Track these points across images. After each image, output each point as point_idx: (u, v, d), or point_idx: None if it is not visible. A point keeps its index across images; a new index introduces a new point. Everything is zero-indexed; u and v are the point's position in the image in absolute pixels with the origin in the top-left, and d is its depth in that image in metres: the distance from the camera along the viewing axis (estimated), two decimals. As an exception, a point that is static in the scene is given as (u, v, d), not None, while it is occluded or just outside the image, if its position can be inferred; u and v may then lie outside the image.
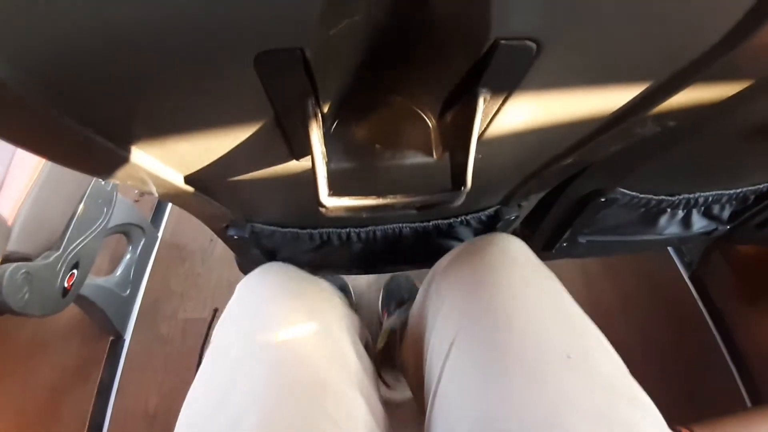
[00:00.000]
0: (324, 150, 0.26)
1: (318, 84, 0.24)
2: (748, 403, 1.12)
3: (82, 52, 0.20)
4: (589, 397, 0.36)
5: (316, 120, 0.25)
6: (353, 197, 0.28)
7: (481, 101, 0.26)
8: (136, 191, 1.43)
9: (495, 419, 0.37)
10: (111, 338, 1.22)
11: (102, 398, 1.15)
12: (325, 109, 0.28)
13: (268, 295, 0.52)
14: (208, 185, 0.37)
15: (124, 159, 0.29)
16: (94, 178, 1.01)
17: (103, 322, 1.18)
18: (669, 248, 1.37)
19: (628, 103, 0.31)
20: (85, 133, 0.25)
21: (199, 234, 1.42)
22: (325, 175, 0.27)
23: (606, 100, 0.30)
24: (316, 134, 0.25)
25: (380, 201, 0.29)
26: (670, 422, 0.37)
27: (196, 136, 0.28)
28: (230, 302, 0.54)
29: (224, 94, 0.25)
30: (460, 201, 0.30)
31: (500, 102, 0.28)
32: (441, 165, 0.35)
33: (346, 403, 0.43)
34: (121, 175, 0.31)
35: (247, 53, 0.21)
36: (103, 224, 1.05)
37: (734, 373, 1.16)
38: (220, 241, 1.40)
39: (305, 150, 0.31)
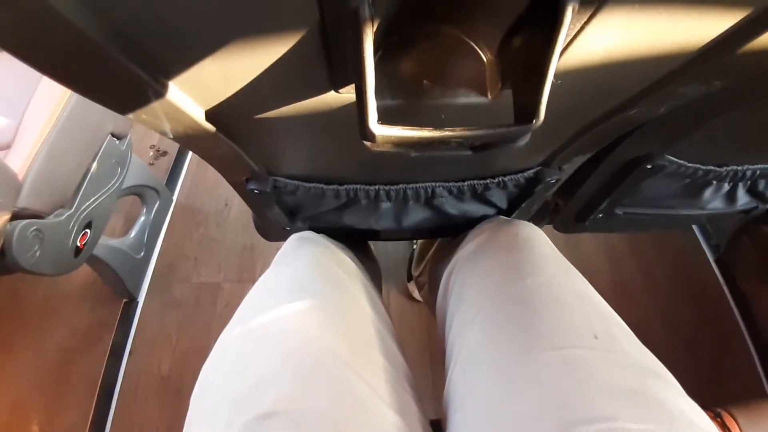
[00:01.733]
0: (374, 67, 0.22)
1: None
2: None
3: None
4: (617, 374, 0.36)
5: (370, 27, 0.21)
6: (406, 127, 0.24)
7: (569, 12, 0.21)
8: (152, 154, 1.41)
9: (521, 394, 0.37)
10: (124, 301, 1.22)
11: (114, 360, 1.15)
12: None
13: (299, 277, 0.51)
14: (231, 124, 0.34)
15: (134, 78, 0.25)
16: (108, 136, 0.98)
17: (116, 284, 1.17)
18: (696, 231, 1.35)
19: (717, 37, 0.27)
20: (99, 44, 0.22)
21: (213, 198, 1.41)
22: (374, 96, 0.23)
23: (697, 28, 0.26)
24: (368, 45, 0.21)
25: (436, 134, 0.25)
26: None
27: (224, 52, 0.25)
28: (265, 275, 0.54)
29: None
30: (525, 139, 0.27)
31: (585, 19, 0.24)
32: (495, 106, 0.31)
33: (370, 364, 0.43)
34: (128, 104, 0.28)
35: None
36: (117, 184, 1.03)
37: (755, 358, 1.14)
38: (234, 205, 1.40)
39: (347, 77, 0.27)
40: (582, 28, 0.25)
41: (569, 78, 0.29)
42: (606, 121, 0.38)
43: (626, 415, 0.32)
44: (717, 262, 1.29)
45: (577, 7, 0.22)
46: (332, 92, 0.30)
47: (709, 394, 1.01)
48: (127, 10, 0.22)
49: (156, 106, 0.28)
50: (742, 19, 0.26)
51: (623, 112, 0.36)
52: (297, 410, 0.35)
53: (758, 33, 0.26)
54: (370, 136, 0.24)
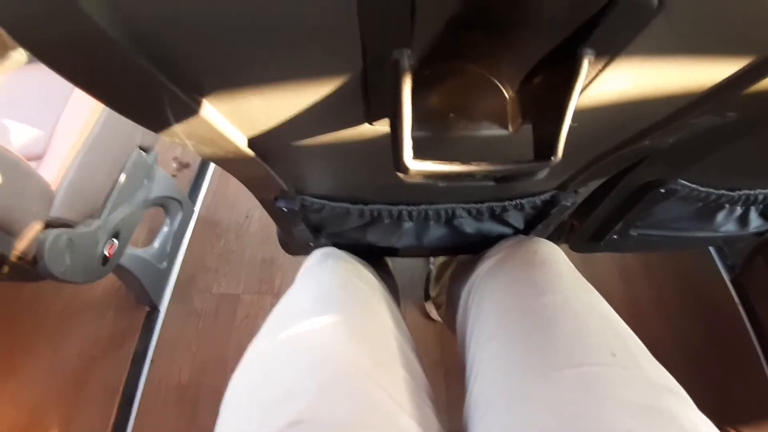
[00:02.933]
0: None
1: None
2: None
3: None
4: (634, 391, 0.37)
5: (410, 75, 0.24)
6: (437, 162, 0.27)
7: (585, 62, 0.24)
8: (175, 165, 1.45)
9: (540, 409, 0.38)
10: (146, 309, 1.25)
11: (135, 368, 1.17)
12: None
13: (324, 291, 0.53)
14: (269, 149, 0.36)
15: (192, 112, 0.28)
16: (136, 149, 1.02)
17: (139, 293, 1.20)
18: (711, 251, 1.34)
19: (724, 80, 0.29)
20: (159, 79, 0.24)
21: (234, 211, 1.44)
22: (410, 136, 0.26)
23: (705, 73, 0.29)
24: (407, 91, 0.24)
25: (464, 168, 0.28)
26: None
27: (271, 89, 0.27)
28: (291, 290, 0.56)
29: (315, 41, 0.24)
30: (544, 173, 0.29)
31: (600, 67, 0.26)
32: (515, 138, 0.33)
33: (392, 376, 0.45)
34: (184, 131, 0.30)
35: None
36: (143, 196, 1.06)
37: (770, 381, 1.13)
38: (255, 218, 1.43)
39: (381, 112, 0.30)
40: (596, 75, 0.27)
41: (584, 116, 0.31)
42: (619, 151, 0.40)
43: (641, 429, 0.33)
44: (732, 282, 1.28)
45: (592, 59, 0.24)
46: (366, 124, 0.33)
47: (722, 414, 1.01)
48: (190, 60, 0.25)
49: (203, 133, 0.31)
50: (747, 64, 0.28)
51: (636, 143, 0.38)
52: (324, 419, 0.37)
53: (758, 79, 0.28)
54: (404, 170, 0.27)
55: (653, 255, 1.32)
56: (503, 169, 0.29)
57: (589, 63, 0.24)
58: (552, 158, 0.28)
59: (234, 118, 0.31)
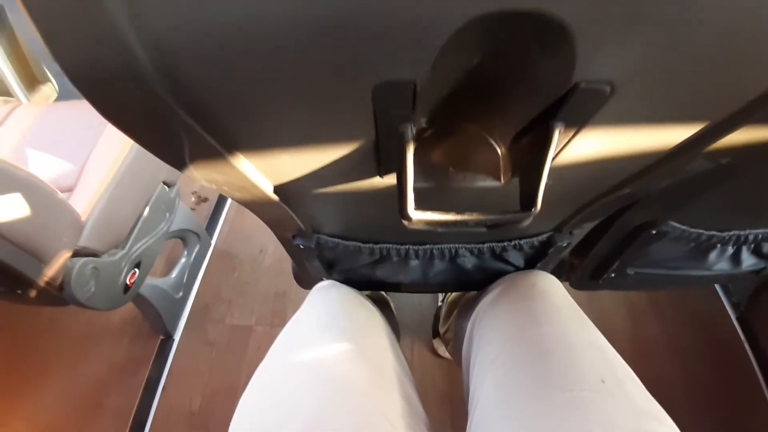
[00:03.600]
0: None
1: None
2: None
3: (221, 49, 0.23)
4: (623, 416, 0.39)
5: (412, 144, 0.29)
6: (435, 212, 0.32)
7: (556, 133, 0.29)
8: (193, 200, 1.51)
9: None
10: (161, 338, 1.28)
11: (148, 395, 1.20)
12: None
13: (326, 317, 0.57)
14: (292, 196, 0.41)
15: (225, 162, 0.33)
16: (160, 184, 1.08)
17: (155, 321, 1.24)
18: (717, 287, 1.35)
19: (685, 140, 0.34)
20: (200, 134, 0.29)
21: (249, 245, 1.49)
22: (413, 191, 0.31)
23: (665, 136, 0.33)
24: (410, 156, 0.29)
25: (458, 217, 0.33)
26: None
27: (299, 150, 0.33)
28: (296, 315, 0.59)
29: (337, 115, 0.29)
30: (528, 221, 0.33)
31: (570, 135, 0.31)
32: (506, 189, 0.38)
33: (389, 401, 0.47)
34: (217, 177, 0.35)
35: (369, 82, 0.25)
36: (165, 228, 1.11)
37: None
38: (269, 252, 1.47)
39: (391, 168, 0.35)
40: (569, 141, 0.32)
41: (563, 173, 0.36)
42: (603, 198, 0.45)
43: None
44: (738, 319, 1.28)
45: (562, 129, 0.29)
46: (377, 177, 0.38)
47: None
48: (235, 124, 0.30)
49: (238, 182, 0.36)
50: (704, 127, 0.33)
51: (616, 192, 0.43)
52: None
53: (716, 138, 0.33)
54: (408, 218, 0.32)
55: (660, 293, 1.33)
56: (492, 219, 0.33)
57: (560, 132, 0.29)
58: (532, 209, 0.32)
59: (265, 170, 0.36)
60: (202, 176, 0.35)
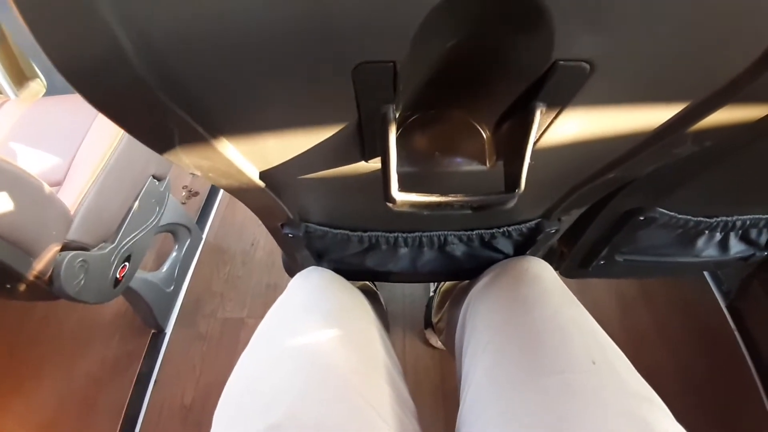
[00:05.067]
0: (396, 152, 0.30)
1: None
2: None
3: (203, 38, 0.24)
4: (612, 398, 0.40)
5: (394, 125, 0.29)
6: (419, 194, 0.32)
7: (538, 113, 0.29)
8: (184, 194, 1.51)
9: (526, 414, 0.41)
10: (152, 332, 1.28)
11: (139, 389, 1.20)
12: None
13: (308, 301, 0.57)
14: (278, 181, 0.41)
15: (211, 148, 0.33)
16: (150, 178, 1.07)
17: (146, 316, 1.24)
18: (707, 276, 1.36)
19: (668, 120, 0.34)
20: (185, 120, 0.29)
21: (241, 238, 1.49)
22: (396, 173, 0.30)
23: (648, 116, 0.33)
24: (392, 137, 0.29)
25: (443, 199, 0.33)
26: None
27: (283, 134, 0.33)
28: (277, 301, 0.59)
29: (319, 97, 0.29)
30: (512, 203, 0.34)
31: (553, 116, 0.31)
32: (492, 173, 0.38)
33: (375, 388, 0.47)
34: (203, 163, 0.35)
35: (349, 63, 0.25)
36: (155, 222, 1.11)
37: (766, 405, 1.14)
38: (260, 246, 1.47)
39: (375, 152, 0.35)
40: (551, 122, 0.32)
41: (547, 155, 0.36)
42: (590, 183, 0.45)
43: None
44: (728, 308, 1.29)
45: (544, 110, 0.29)
46: (362, 162, 0.38)
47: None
48: (220, 109, 0.30)
49: (224, 168, 0.36)
50: (686, 107, 0.33)
51: (603, 176, 0.43)
52: (305, 423, 0.39)
53: (698, 118, 0.33)
54: (392, 200, 0.32)
55: (651, 282, 1.34)
56: (477, 200, 0.34)
57: (542, 113, 0.29)
58: (516, 190, 0.33)
59: (250, 155, 0.36)
60: (187, 162, 0.35)
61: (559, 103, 0.30)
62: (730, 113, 0.33)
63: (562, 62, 0.26)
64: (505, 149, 0.35)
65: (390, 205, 0.32)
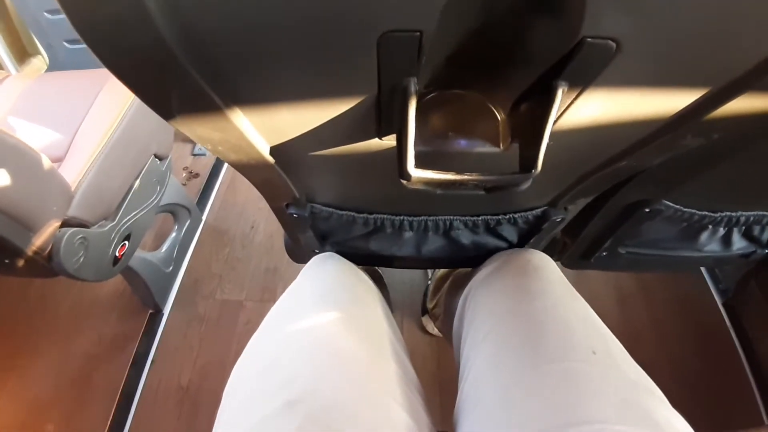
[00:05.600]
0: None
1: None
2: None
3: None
4: (612, 386, 0.40)
5: (415, 99, 0.29)
6: (435, 171, 0.31)
7: (560, 92, 0.29)
8: (185, 175, 1.50)
9: (525, 401, 0.41)
10: (150, 312, 1.28)
11: (136, 369, 1.20)
12: None
13: (322, 288, 0.57)
14: (288, 158, 0.41)
15: (224, 118, 0.33)
16: (151, 157, 1.06)
17: (144, 295, 1.24)
18: (704, 274, 1.37)
19: (687, 106, 0.34)
20: (202, 87, 0.29)
21: (241, 220, 1.49)
22: (414, 148, 0.30)
23: (667, 101, 0.33)
24: (412, 111, 0.29)
25: (458, 177, 0.32)
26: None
27: (298, 106, 0.32)
28: (292, 285, 0.60)
29: (340, 68, 0.29)
30: (527, 184, 0.33)
31: (574, 96, 0.31)
32: (505, 156, 0.38)
33: (385, 369, 0.48)
34: (214, 135, 0.35)
35: (374, 32, 0.25)
36: (155, 201, 1.10)
37: (760, 406, 1.15)
38: (260, 228, 1.47)
39: (391, 129, 0.35)
40: (572, 102, 0.32)
41: (564, 137, 0.36)
42: (601, 170, 0.45)
43: (616, 420, 0.36)
44: (725, 305, 1.30)
45: (566, 89, 0.29)
46: (376, 139, 0.37)
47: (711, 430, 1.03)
48: (235, 76, 0.29)
49: (235, 141, 0.36)
50: (705, 93, 0.32)
51: (616, 164, 0.43)
52: (320, 400, 0.40)
53: (718, 105, 0.33)
54: (407, 177, 0.31)
55: (649, 277, 1.35)
56: (492, 179, 0.33)
57: (563, 93, 0.29)
58: (533, 171, 0.32)
59: (262, 128, 0.36)
60: (198, 134, 0.34)
61: (582, 82, 0.30)
62: (748, 102, 0.33)
63: (589, 39, 0.25)
64: (521, 130, 0.34)
65: (404, 182, 0.32)
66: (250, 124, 0.34)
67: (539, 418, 0.39)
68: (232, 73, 0.29)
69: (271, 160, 0.40)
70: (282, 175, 0.45)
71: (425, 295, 1.22)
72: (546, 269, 0.57)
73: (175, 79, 0.28)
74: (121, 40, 0.24)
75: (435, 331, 1.18)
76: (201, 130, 0.34)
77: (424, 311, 1.20)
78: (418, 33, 0.25)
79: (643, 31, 0.26)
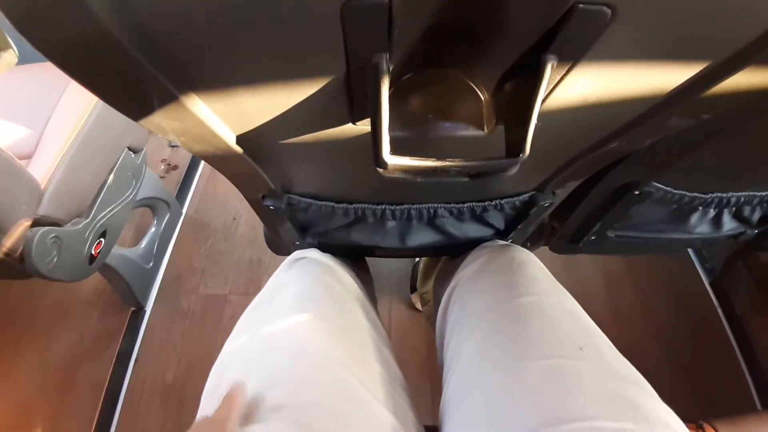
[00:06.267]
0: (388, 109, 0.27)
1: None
2: (761, 410, 1.12)
3: None
4: (599, 381, 0.40)
5: (387, 77, 0.26)
6: (413, 158, 0.29)
7: (549, 67, 0.26)
8: (163, 167, 1.46)
9: (512, 398, 0.40)
10: (132, 309, 1.25)
11: (120, 367, 1.18)
12: None
13: (302, 288, 0.56)
14: (258, 147, 0.38)
15: (180, 106, 0.30)
16: (125, 150, 1.03)
17: (125, 293, 1.21)
18: (691, 254, 1.37)
19: (683, 82, 0.32)
20: (152, 73, 0.26)
21: (222, 212, 1.45)
22: (388, 133, 0.27)
23: (663, 77, 0.31)
24: (385, 92, 0.26)
25: (439, 163, 0.30)
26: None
27: (264, 90, 0.29)
28: (270, 283, 0.59)
29: (303, 44, 0.26)
30: (514, 169, 0.31)
31: (564, 72, 0.28)
32: (489, 139, 0.35)
33: (367, 369, 0.48)
34: (174, 125, 0.32)
35: (338, 2, 0.22)
36: (131, 196, 1.07)
37: (749, 382, 1.16)
38: (242, 220, 1.44)
39: (365, 113, 0.32)
40: (561, 79, 0.29)
41: (553, 118, 0.33)
42: (591, 153, 0.43)
43: (605, 415, 0.36)
44: (712, 285, 1.31)
45: (555, 64, 0.26)
46: (350, 124, 0.34)
47: (701, 410, 1.03)
48: (187, 59, 0.26)
49: (196, 130, 0.33)
50: (701, 69, 0.30)
51: (606, 145, 0.41)
52: (304, 404, 0.40)
53: (716, 81, 0.31)
54: (383, 165, 0.29)
55: (636, 260, 1.35)
56: (476, 165, 0.31)
57: (553, 68, 0.26)
58: (520, 155, 0.30)
59: (225, 116, 0.33)
60: (155, 124, 0.32)
61: (573, 56, 0.27)
62: (747, 78, 0.31)
63: (582, 5, 0.23)
64: (507, 111, 0.32)
65: (381, 170, 0.29)
66: (210, 111, 0.31)
67: (527, 416, 0.38)
68: (184, 58, 0.26)
69: (239, 149, 0.37)
70: (253, 166, 0.42)
71: (414, 271, 1.21)
72: (530, 265, 0.57)
73: (121, 69, 0.25)
74: (59, 32, 0.22)
75: (424, 308, 1.18)
76: (158, 120, 0.31)
77: (413, 289, 1.19)
78: (386, 1, 0.22)
79: None
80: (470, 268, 0.61)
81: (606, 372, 0.41)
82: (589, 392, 0.38)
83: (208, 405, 0.44)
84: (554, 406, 0.37)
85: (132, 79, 0.26)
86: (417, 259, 1.18)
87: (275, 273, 0.62)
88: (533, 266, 0.57)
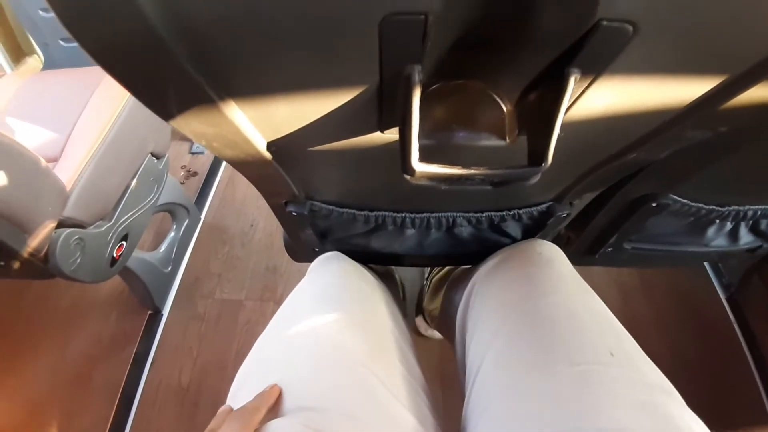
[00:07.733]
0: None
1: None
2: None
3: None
4: (631, 389, 0.38)
5: (419, 87, 0.27)
6: (440, 165, 0.30)
7: (572, 80, 0.27)
8: (183, 173, 1.48)
9: (540, 406, 0.39)
10: (149, 312, 1.27)
11: (136, 369, 1.19)
12: None
13: (327, 291, 0.57)
14: (287, 154, 0.39)
15: (218, 112, 0.31)
16: (148, 156, 1.05)
17: (143, 296, 1.22)
18: (708, 269, 1.36)
19: (702, 95, 0.32)
20: (194, 79, 0.27)
21: (240, 219, 1.47)
22: (417, 141, 0.29)
23: (682, 90, 0.32)
24: (416, 101, 0.27)
25: (464, 171, 0.31)
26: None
27: (297, 99, 0.31)
28: (299, 286, 0.59)
29: (340, 57, 0.27)
30: (536, 178, 0.32)
31: (586, 84, 0.30)
32: (510, 149, 0.36)
33: (390, 371, 0.47)
34: (208, 131, 0.33)
35: (376, 13, 0.23)
36: (152, 201, 1.09)
37: (763, 396, 1.14)
38: (259, 227, 1.45)
39: (393, 122, 0.33)
40: (583, 91, 0.30)
41: (574, 128, 0.34)
42: (610, 163, 0.43)
43: (636, 426, 0.35)
44: (728, 300, 1.29)
45: (578, 77, 0.27)
46: (377, 132, 0.36)
47: (716, 429, 1.02)
48: (228, 66, 0.28)
49: (230, 136, 0.34)
50: (721, 82, 0.31)
51: (625, 156, 0.42)
52: (326, 406, 0.40)
53: (735, 94, 0.32)
54: (411, 171, 0.30)
55: (651, 272, 1.33)
56: (499, 173, 0.32)
57: (576, 80, 0.28)
58: (543, 164, 0.31)
59: (258, 123, 0.34)
60: (191, 129, 0.33)
61: (595, 69, 0.28)
62: (763, 90, 0.32)
63: (605, 22, 0.24)
64: (529, 121, 0.33)
65: (408, 177, 0.30)
66: (245, 118, 0.33)
67: (554, 425, 0.37)
68: (226, 64, 0.28)
69: (268, 156, 0.39)
70: (280, 172, 0.43)
71: (420, 295, 1.20)
72: (557, 261, 0.55)
73: (166, 72, 0.26)
74: (108, 31, 0.23)
75: (428, 332, 1.17)
76: (195, 125, 0.32)
77: (419, 311, 1.18)
78: (423, 16, 0.23)
79: (661, 12, 0.24)
80: (491, 262, 0.59)
81: (636, 380, 0.40)
82: (620, 401, 0.37)
83: (237, 402, 0.44)
84: (582, 416, 0.37)
85: (174, 82, 0.28)
86: (425, 282, 1.18)
87: (307, 272, 0.63)
88: (560, 262, 0.55)
